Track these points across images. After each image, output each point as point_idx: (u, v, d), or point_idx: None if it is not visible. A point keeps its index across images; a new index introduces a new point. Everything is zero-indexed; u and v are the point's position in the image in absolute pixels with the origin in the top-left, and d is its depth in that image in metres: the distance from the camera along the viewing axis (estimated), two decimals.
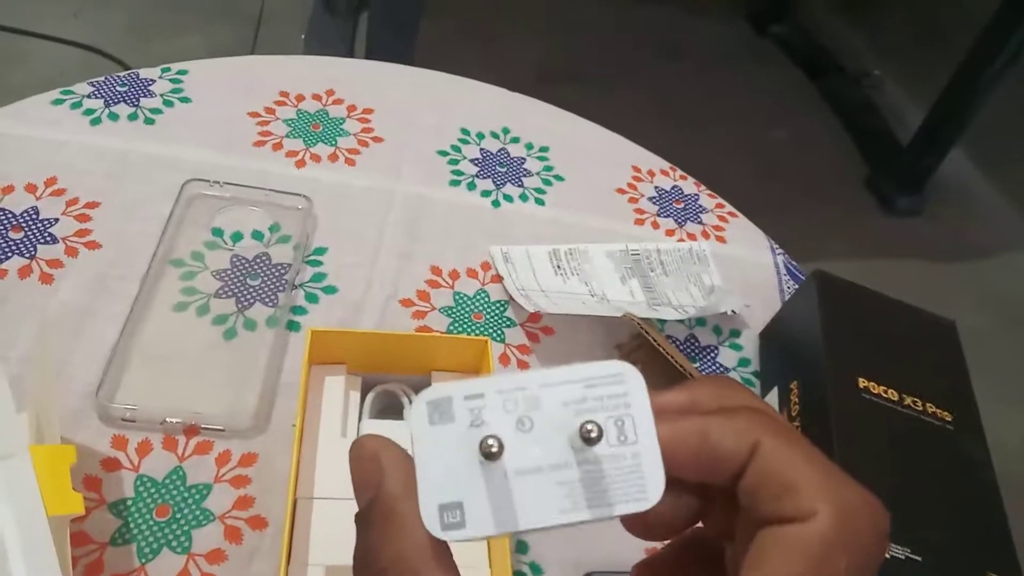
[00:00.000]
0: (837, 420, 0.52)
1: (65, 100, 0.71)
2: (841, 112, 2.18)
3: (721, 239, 0.74)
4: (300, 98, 0.77)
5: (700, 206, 0.77)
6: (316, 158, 0.72)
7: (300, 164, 0.71)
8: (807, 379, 0.57)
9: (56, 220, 0.62)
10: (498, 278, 0.66)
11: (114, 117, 0.71)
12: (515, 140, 0.78)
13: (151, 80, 0.75)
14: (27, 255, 0.60)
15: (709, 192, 0.79)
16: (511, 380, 0.23)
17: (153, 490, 0.50)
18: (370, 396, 0.53)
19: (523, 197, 0.73)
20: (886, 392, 0.54)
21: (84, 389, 0.53)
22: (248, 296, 0.60)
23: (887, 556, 0.46)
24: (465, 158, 0.75)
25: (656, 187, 0.77)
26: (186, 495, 0.50)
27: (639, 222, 0.74)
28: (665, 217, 0.75)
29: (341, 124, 0.75)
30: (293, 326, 0.60)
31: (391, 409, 0.53)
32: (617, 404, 0.23)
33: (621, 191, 0.76)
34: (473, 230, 0.69)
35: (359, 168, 0.72)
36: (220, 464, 0.52)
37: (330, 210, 0.68)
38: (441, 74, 0.83)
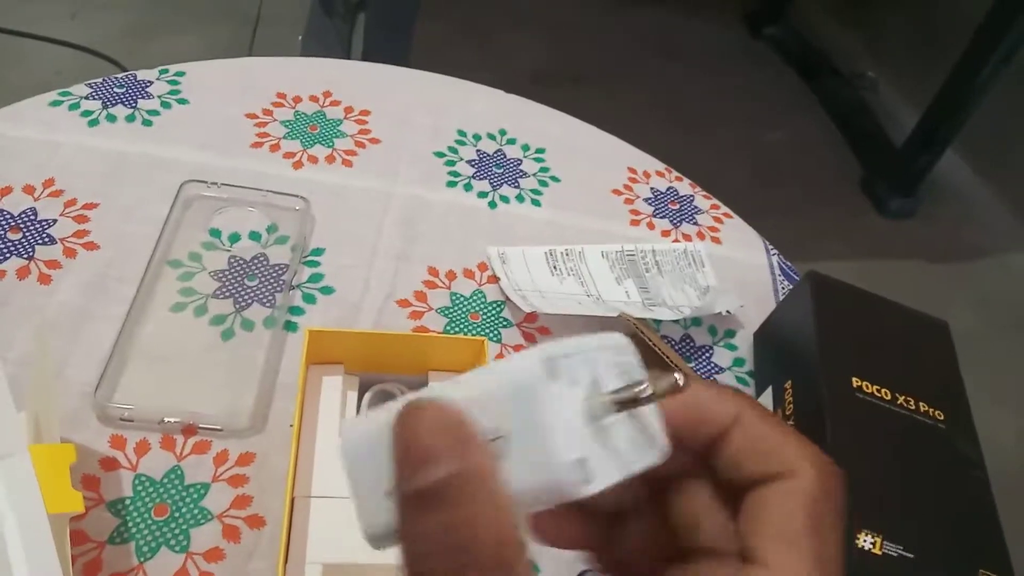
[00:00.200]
0: (831, 419, 0.52)
1: (63, 101, 0.71)
2: (836, 114, 2.19)
3: (716, 240, 0.75)
4: (297, 99, 0.77)
5: (695, 207, 0.77)
6: (313, 159, 0.72)
7: (297, 165, 0.71)
8: (801, 379, 0.57)
9: (54, 221, 0.63)
10: (495, 279, 0.66)
11: (112, 119, 0.71)
12: (512, 141, 0.79)
13: (149, 81, 0.75)
14: (25, 256, 0.60)
15: (704, 193, 0.79)
16: (567, 345, 0.23)
17: (151, 489, 0.50)
18: (367, 396, 0.53)
19: (519, 198, 0.74)
20: (879, 391, 0.54)
21: (82, 389, 0.54)
22: (246, 297, 0.61)
23: (880, 554, 0.46)
24: (462, 159, 0.76)
25: (652, 188, 0.78)
26: (184, 494, 0.51)
27: (635, 223, 0.74)
28: (661, 218, 0.75)
29: (338, 125, 0.75)
30: (290, 326, 0.60)
31: None
32: (632, 369, 0.25)
33: (617, 192, 0.77)
34: (470, 231, 0.70)
35: (356, 169, 0.72)
36: (218, 463, 0.52)
37: (327, 211, 0.68)
38: (438, 76, 0.84)
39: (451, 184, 0.73)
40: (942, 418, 0.54)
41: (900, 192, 1.97)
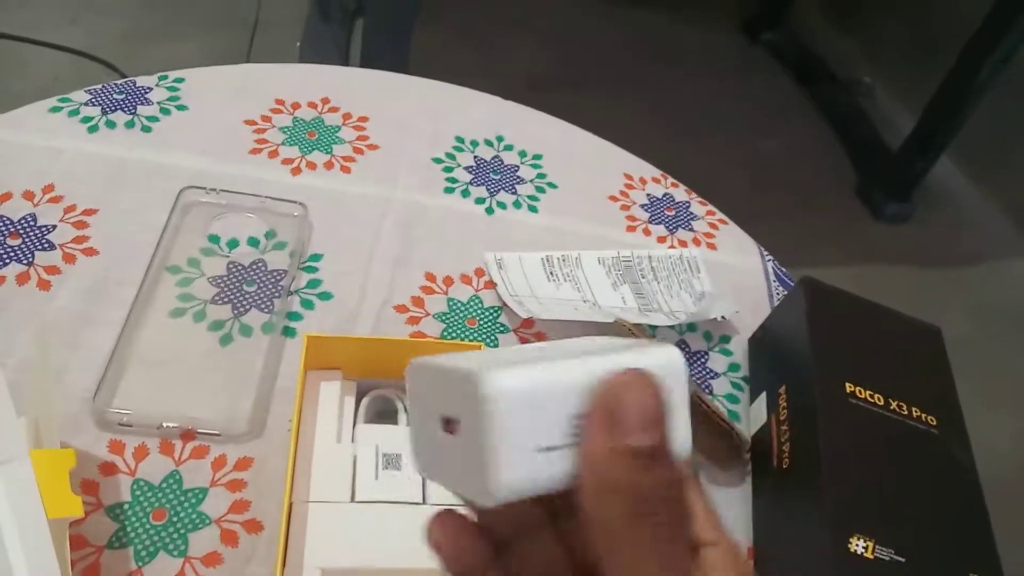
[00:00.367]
0: (824, 424, 0.53)
1: (62, 108, 0.72)
2: (832, 119, 2.20)
3: (712, 246, 0.75)
4: (296, 106, 0.77)
5: (691, 213, 0.78)
6: (312, 166, 0.72)
7: (296, 171, 0.72)
8: (795, 384, 0.58)
9: (54, 227, 0.63)
10: (491, 284, 0.67)
11: (111, 125, 0.71)
12: (509, 148, 0.79)
13: (148, 88, 0.75)
14: (25, 262, 0.60)
15: (700, 199, 0.80)
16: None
17: (150, 494, 0.51)
18: (365, 401, 0.53)
19: (516, 204, 0.74)
20: (872, 397, 0.55)
21: (81, 394, 0.54)
22: (244, 302, 0.61)
23: (872, 558, 0.47)
24: (459, 166, 0.76)
25: (648, 194, 0.78)
26: (182, 499, 0.51)
27: (631, 229, 0.75)
28: (656, 224, 0.76)
29: (337, 132, 0.76)
30: (289, 332, 0.61)
31: (386, 414, 0.54)
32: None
33: (613, 198, 0.77)
34: (467, 237, 0.70)
35: (354, 175, 0.73)
36: (216, 468, 0.53)
37: (325, 217, 0.68)
38: (436, 82, 0.84)
39: (448, 190, 0.74)
40: (935, 424, 0.55)
41: (896, 197, 1.98)
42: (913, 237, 1.95)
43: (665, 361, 0.25)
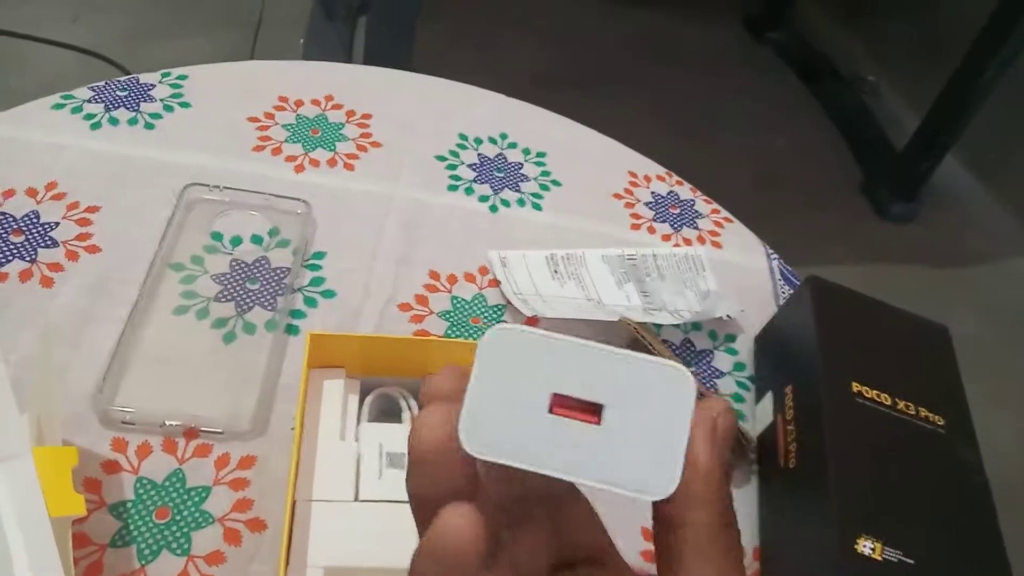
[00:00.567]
0: (831, 424, 0.52)
1: (65, 105, 0.71)
2: (837, 118, 2.19)
3: (717, 244, 0.75)
4: (299, 103, 0.77)
5: (696, 211, 0.77)
6: (315, 163, 0.72)
7: (299, 169, 0.71)
8: (801, 384, 0.57)
9: (57, 224, 0.63)
10: (495, 282, 0.67)
11: (114, 122, 0.71)
12: (513, 145, 0.79)
13: (151, 85, 0.75)
14: (28, 259, 0.60)
15: (705, 197, 0.79)
16: None
17: (153, 492, 0.50)
18: (368, 399, 0.53)
19: (520, 202, 0.74)
20: (879, 396, 0.54)
21: (84, 392, 0.54)
22: (247, 300, 0.61)
23: (880, 559, 0.46)
24: (463, 163, 0.76)
25: (652, 192, 0.78)
26: (185, 497, 0.51)
27: (635, 227, 0.74)
28: (661, 222, 0.75)
29: (340, 129, 0.76)
30: (292, 330, 0.60)
31: (389, 412, 0.54)
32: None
33: (618, 196, 0.77)
34: (471, 235, 0.70)
35: (358, 173, 0.72)
36: (219, 467, 0.52)
37: (329, 215, 0.68)
38: (440, 80, 0.84)
39: (452, 188, 0.74)
40: (942, 423, 0.55)
41: (901, 197, 1.97)
42: (919, 236, 1.95)
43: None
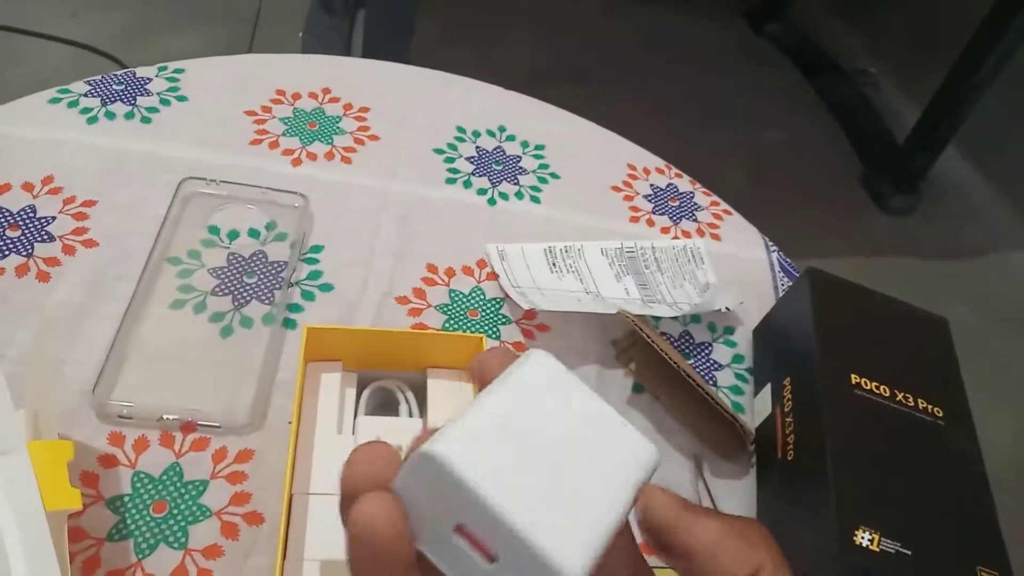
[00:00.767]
0: (829, 416, 0.52)
1: (62, 99, 0.71)
2: (836, 110, 2.19)
3: (716, 236, 0.75)
4: (296, 96, 0.77)
5: (695, 204, 0.77)
6: (312, 156, 0.72)
7: (296, 162, 0.71)
8: (800, 375, 0.57)
9: (53, 219, 0.63)
10: (493, 275, 0.66)
11: (111, 116, 0.71)
12: (511, 138, 0.79)
13: (148, 79, 0.75)
14: (24, 253, 0.60)
15: (704, 190, 0.79)
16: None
17: (150, 486, 0.50)
18: (366, 393, 0.53)
19: (519, 195, 0.74)
20: (878, 388, 0.54)
21: (81, 387, 0.54)
22: (245, 294, 0.61)
23: (877, 550, 0.46)
24: (461, 156, 0.76)
25: (651, 185, 0.78)
26: (183, 491, 0.51)
27: (634, 220, 0.74)
28: (660, 215, 0.75)
29: (337, 122, 0.75)
30: (289, 324, 0.60)
31: (387, 406, 0.54)
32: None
33: (616, 189, 0.77)
34: (469, 228, 0.70)
35: (355, 166, 0.72)
36: (216, 460, 0.52)
37: (326, 208, 0.68)
38: (437, 72, 0.84)
39: (450, 181, 0.73)
40: (941, 415, 0.54)
41: (901, 189, 1.97)
42: (918, 229, 1.95)
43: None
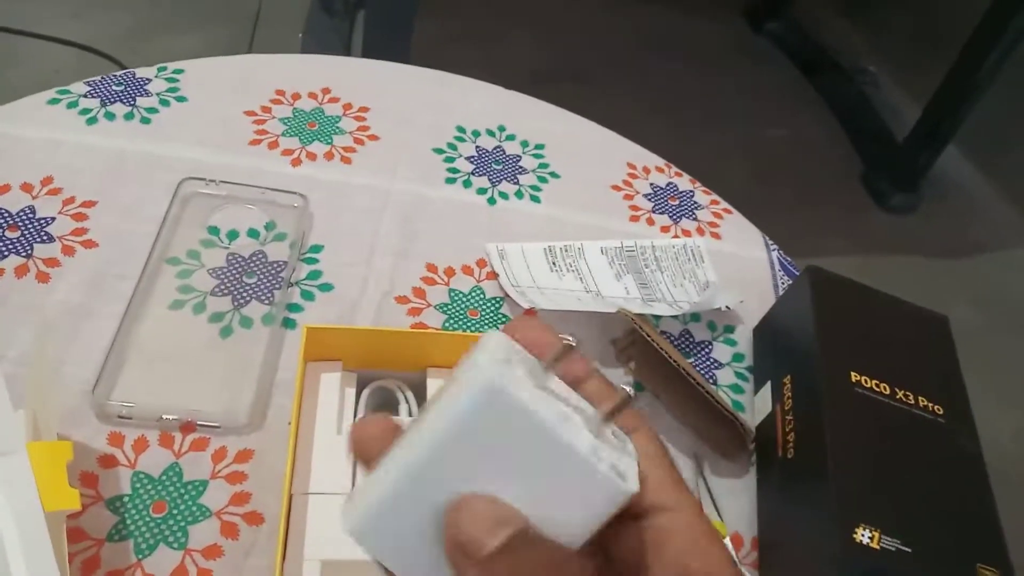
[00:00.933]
0: (829, 414, 0.52)
1: (61, 100, 0.71)
2: (837, 109, 2.19)
3: (716, 235, 0.75)
4: (296, 97, 0.77)
5: (695, 203, 0.77)
6: (312, 156, 0.72)
7: (296, 163, 0.71)
8: (800, 373, 0.57)
9: (53, 219, 0.63)
10: (493, 275, 0.66)
11: (110, 116, 0.71)
12: (511, 138, 0.79)
13: (147, 79, 0.75)
14: (24, 254, 0.60)
15: (704, 189, 0.79)
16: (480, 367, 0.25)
17: (150, 486, 0.50)
18: (365, 392, 0.53)
19: (519, 194, 0.74)
20: (878, 386, 0.54)
21: (81, 387, 0.53)
22: (244, 294, 0.61)
23: (878, 548, 0.46)
24: (461, 156, 0.76)
25: (651, 184, 0.78)
26: (182, 491, 0.51)
27: (634, 219, 0.74)
28: (660, 214, 0.75)
29: (337, 122, 0.75)
30: (289, 323, 0.60)
31: (386, 406, 0.54)
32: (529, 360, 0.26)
33: (616, 188, 0.77)
34: (469, 227, 0.70)
35: (355, 166, 0.72)
36: (216, 461, 0.52)
37: (326, 208, 0.68)
38: (437, 72, 0.84)
39: (450, 181, 0.73)
40: (941, 412, 0.54)
41: (902, 188, 1.97)
42: (919, 227, 1.94)
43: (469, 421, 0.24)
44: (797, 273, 0.72)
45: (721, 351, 0.66)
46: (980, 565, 0.47)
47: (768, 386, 0.60)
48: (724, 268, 0.70)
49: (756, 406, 0.62)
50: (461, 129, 0.78)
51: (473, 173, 0.74)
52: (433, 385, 0.53)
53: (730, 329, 0.67)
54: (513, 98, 0.83)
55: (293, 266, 0.63)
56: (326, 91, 0.78)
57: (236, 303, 0.60)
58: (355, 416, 0.52)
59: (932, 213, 1.97)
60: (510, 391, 0.23)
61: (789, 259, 0.74)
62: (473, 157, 0.76)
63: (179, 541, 0.49)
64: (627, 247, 0.70)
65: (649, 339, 0.59)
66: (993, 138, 2.08)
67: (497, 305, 0.65)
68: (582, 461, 0.23)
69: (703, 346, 0.66)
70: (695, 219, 0.75)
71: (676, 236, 0.74)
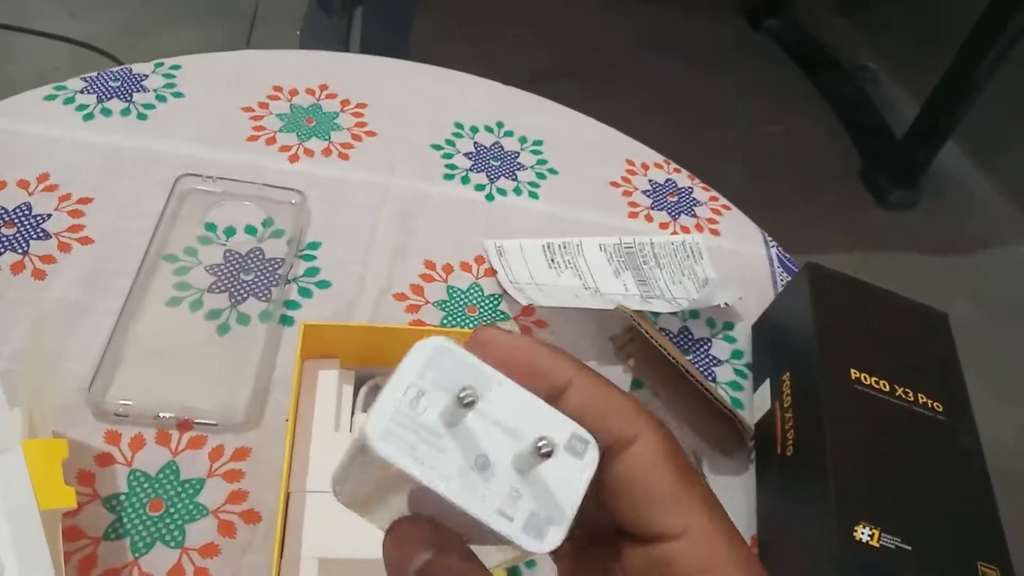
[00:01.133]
0: (829, 411, 0.52)
1: (58, 96, 0.71)
2: (835, 105, 2.18)
3: (715, 232, 0.74)
4: (294, 92, 0.77)
5: (694, 199, 0.77)
6: (310, 153, 0.72)
7: (294, 159, 0.71)
8: (799, 371, 0.57)
9: (49, 216, 0.62)
10: (492, 272, 0.66)
11: (107, 112, 0.70)
12: (509, 134, 0.78)
13: (144, 75, 0.75)
14: (20, 251, 0.60)
15: (703, 185, 0.79)
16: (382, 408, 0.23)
17: (146, 484, 0.50)
18: (363, 390, 0.53)
19: (517, 191, 0.73)
20: (878, 383, 0.54)
21: (77, 384, 0.53)
22: (241, 291, 0.60)
23: (877, 546, 0.46)
24: (459, 152, 0.75)
25: (650, 180, 0.77)
26: (179, 489, 0.50)
27: (633, 215, 0.74)
28: (659, 210, 0.75)
29: (335, 118, 0.75)
30: (286, 320, 0.60)
31: None
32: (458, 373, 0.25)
33: (615, 184, 0.76)
34: (467, 224, 0.69)
35: (353, 162, 0.72)
36: (213, 459, 0.52)
37: (324, 205, 0.68)
38: (435, 68, 0.83)
39: (448, 177, 0.73)
40: (941, 410, 0.54)
41: (901, 184, 1.97)
42: (918, 223, 1.94)
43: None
44: (796, 270, 0.72)
45: (720, 348, 0.66)
46: (980, 563, 0.47)
47: (767, 383, 0.60)
48: (723, 265, 0.70)
49: (755, 403, 0.62)
50: (459, 125, 0.78)
51: (471, 169, 0.74)
52: None
53: (729, 326, 0.67)
54: (511, 94, 0.83)
55: (290, 263, 0.63)
56: (324, 87, 0.78)
57: (233, 300, 0.60)
58: (352, 414, 0.51)
59: (931, 209, 1.97)
60: (394, 460, 0.22)
61: (788, 256, 0.74)
62: (471, 153, 0.76)
63: (176, 539, 0.48)
64: (626, 244, 0.70)
65: (648, 336, 0.59)
66: (992, 134, 2.08)
67: (495, 302, 0.65)
68: (480, 522, 0.22)
69: (702, 343, 0.66)
70: (694, 215, 0.75)
71: (675, 233, 0.73)
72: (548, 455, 0.22)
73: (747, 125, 2.05)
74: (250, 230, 0.64)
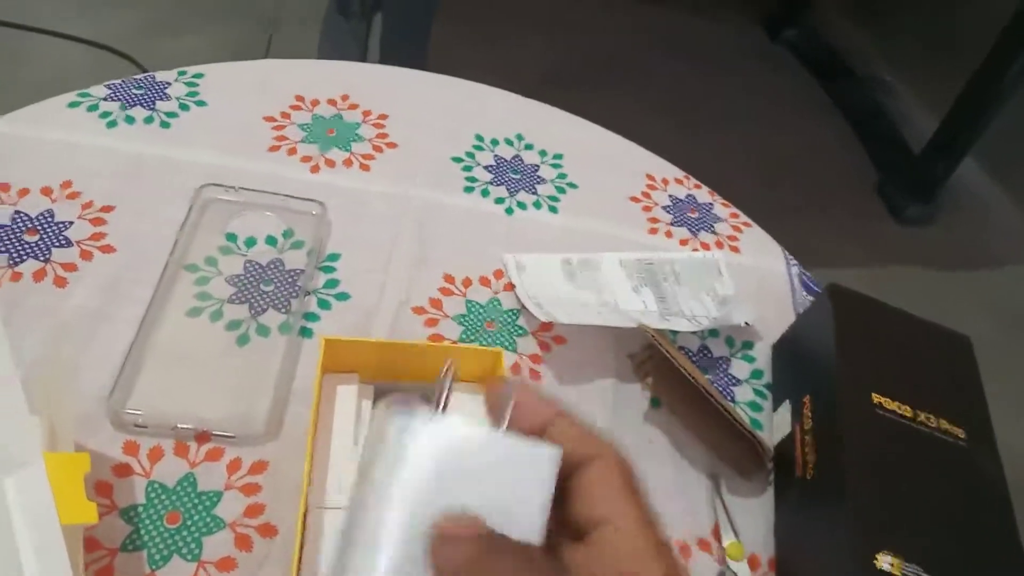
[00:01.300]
0: (849, 435, 0.52)
1: (81, 103, 0.71)
2: (852, 118, 2.17)
3: (735, 249, 0.74)
4: (315, 103, 0.77)
5: (714, 215, 0.76)
6: (331, 163, 0.72)
7: (315, 169, 0.71)
8: (820, 393, 0.56)
9: (71, 223, 0.62)
10: (511, 286, 0.66)
11: (130, 120, 0.71)
12: (529, 147, 0.78)
13: (167, 83, 0.75)
14: (42, 258, 0.60)
15: (723, 201, 0.78)
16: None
17: (164, 496, 0.50)
18: (381, 404, 0.53)
19: (536, 204, 0.73)
20: (900, 408, 0.54)
21: (96, 394, 0.53)
22: (261, 302, 0.60)
23: (899, 575, 0.46)
24: (479, 164, 0.75)
25: (670, 195, 0.77)
26: (197, 502, 0.50)
27: (653, 231, 0.74)
28: (679, 226, 0.75)
29: (356, 129, 0.75)
30: (306, 332, 0.60)
31: None
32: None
33: (635, 199, 0.76)
34: (486, 237, 0.69)
35: (373, 174, 0.72)
36: (231, 471, 0.52)
37: (344, 216, 0.68)
38: (456, 79, 0.83)
39: (468, 190, 0.73)
40: (963, 436, 0.54)
41: (918, 198, 1.95)
42: (936, 239, 1.93)
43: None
44: (817, 288, 0.72)
45: (739, 367, 0.65)
46: None
47: (787, 404, 0.60)
48: (743, 282, 0.70)
49: (775, 424, 0.61)
50: (480, 137, 0.78)
51: (491, 182, 0.74)
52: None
53: (749, 345, 0.67)
54: (532, 107, 0.83)
55: (310, 274, 0.63)
56: (345, 97, 0.78)
57: (253, 311, 0.60)
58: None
59: (949, 224, 1.96)
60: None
61: (808, 274, 0.74)
62: (491, 166, 0.75)
63: (193, 552, 0.48)
64: (646, 260, 0.69)
65: (667, 354, 0.59)
66: (1011, 148, 2.07)
67: (514, 317, 0.64)
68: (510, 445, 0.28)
69: (721, 362, 0.65)
70: (714, 232, 0.75)
71: (695, 249, 0.73)
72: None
73: (762, 135, 2.05)
74: (271, 241, 0.64)
